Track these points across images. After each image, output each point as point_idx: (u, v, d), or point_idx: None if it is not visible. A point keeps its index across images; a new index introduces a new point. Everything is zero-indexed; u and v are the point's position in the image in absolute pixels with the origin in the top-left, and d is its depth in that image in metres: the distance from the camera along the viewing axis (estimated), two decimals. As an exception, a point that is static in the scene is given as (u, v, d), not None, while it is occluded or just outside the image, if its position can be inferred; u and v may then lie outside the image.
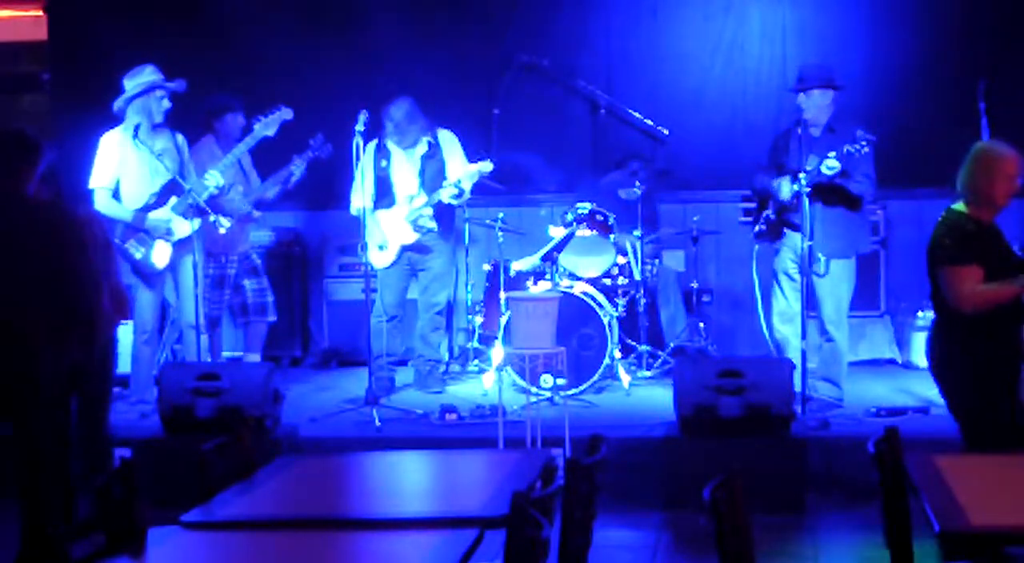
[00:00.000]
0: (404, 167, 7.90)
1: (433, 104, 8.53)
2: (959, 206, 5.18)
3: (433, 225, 7.85)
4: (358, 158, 7.38)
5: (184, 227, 7.35)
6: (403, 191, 7.87)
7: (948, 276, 5.06)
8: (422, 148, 7.91)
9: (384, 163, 7.79)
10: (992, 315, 5.01)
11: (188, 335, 7.61)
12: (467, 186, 7.83)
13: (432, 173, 7.84)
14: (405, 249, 7.90)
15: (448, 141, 7.95)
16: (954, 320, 5.10)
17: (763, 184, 7.32)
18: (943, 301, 5.13)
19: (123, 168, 7.43)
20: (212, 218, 7.24)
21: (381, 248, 7.81)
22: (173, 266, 7.48)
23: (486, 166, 7.73)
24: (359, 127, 7.27)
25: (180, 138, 7.53)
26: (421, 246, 7.91)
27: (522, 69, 9.60)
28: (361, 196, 7.75)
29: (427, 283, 8.04)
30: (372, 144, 7.69)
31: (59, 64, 10.23)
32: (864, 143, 6.85)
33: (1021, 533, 3.38)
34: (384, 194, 7.85)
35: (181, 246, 7.42)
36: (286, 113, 7.66)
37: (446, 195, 7.73)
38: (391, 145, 7.88)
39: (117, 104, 7.40)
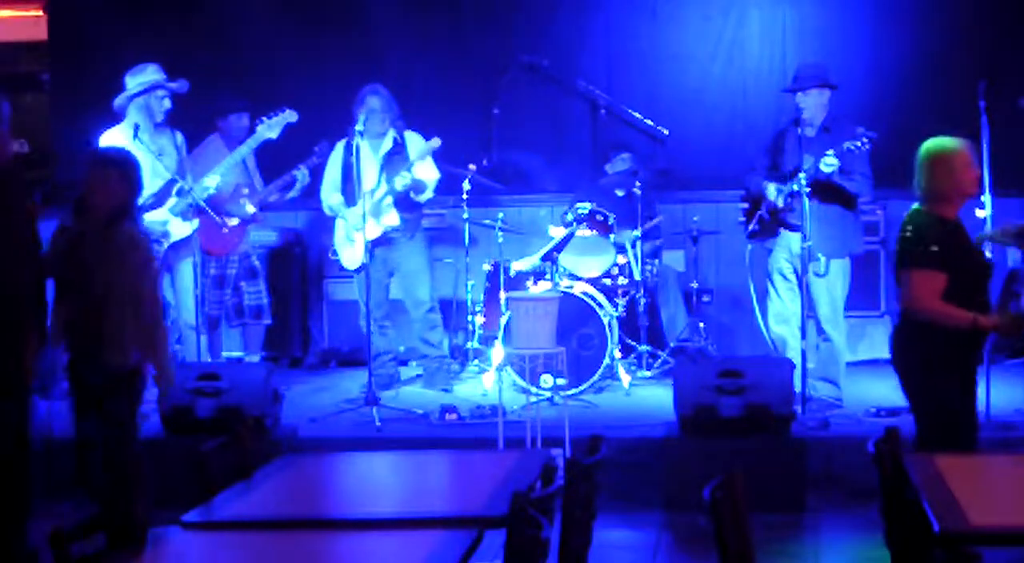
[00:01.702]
0: (368, 162, 7.88)
1: (433, 104, 8.53)
2: (922, 207, 5.15)
3: (396, 219, 7.84)
4: (358, 158, 7.38)
5: (182, 228, 7.34)
6: (365, 186, 7.86)
7: (913, 278, 5.02)
8: (387, 144, 7.90)
9: (352, 159, 7.71)
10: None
11: (188, 335, 7.62)
12: (426, 175, 7.81)
13: (394, 168, 7.83)
14: (374, 244, 7.88)
15: (414, 142, 7.92)
16: (916, 318, 5.09)
17: (756, 186, 7.33)
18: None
19: None
20: (217, 219, 7.24)
21: (350, 241, 7.77)
22: (170, 266, 7.49)
23: (434, 142, 7.72)
24: (359, 127, 7.27)
25: (180, 138, 7.53)
26: (387, 239, 7.91)
27: (522, 69, 9.60)
28: (333, 193, 7.82)
29: (405, 283, 8.05)
30: (341, 143, 7.66)
31: (59, 64, 10.23)
32: (865, 140, 6.86)
33: (1021, 533, 3.38)
34: (351, 191, 7.79)
35: (179, 247, 7.41)
36: (290, 116, 7.63)
37: (400, 183, 7.72)
38: (358, 140, 7.84)
39: (118, 101, 7.39)
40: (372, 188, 7.82)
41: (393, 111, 7.90)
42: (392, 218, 7.85)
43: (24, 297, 5.22)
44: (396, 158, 7.88)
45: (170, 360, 5.56)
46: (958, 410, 5.04)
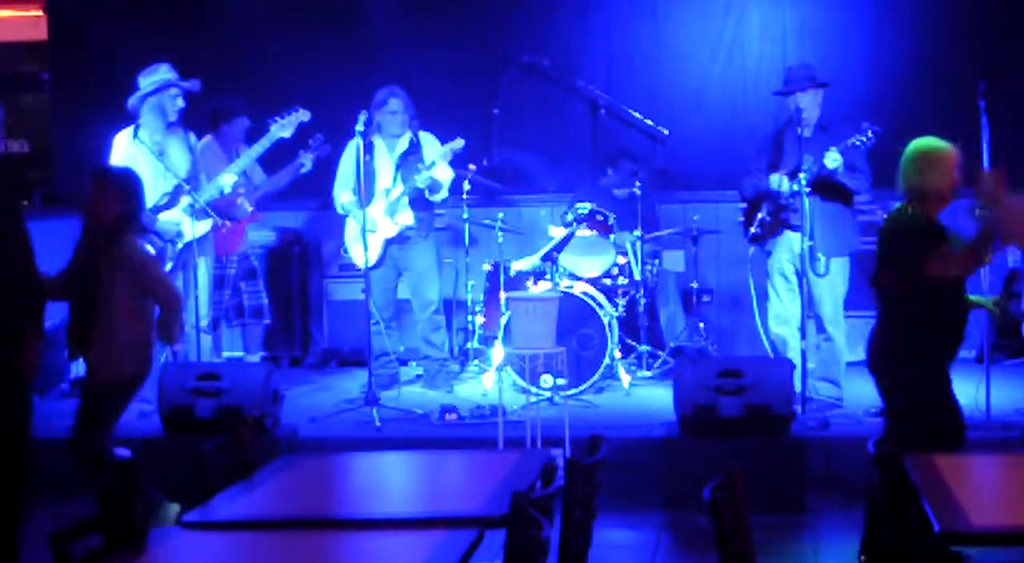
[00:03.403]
0: (384, 161, 7.92)
1: (433, 104, 8.53)
2: (908, 205, 5.17)
3: (411, 218, 7.85)
4: (358, 158, 7.38)
5: (198, 227, 7.31)
6: (380, 185, 7.88)
7: (935, 263, 4.99)
8: (403, 144, 7.93)
9: (367, 158, 7.67)
10: (936, 314, 5.02)
11: (189, 335, 7.61)
12: (442, 175, 7.82)
13: (409, 168, 7.85)
14: (388, 243, 7.90)
15: (429, 143, 7.96)
16: (899, 317, 5.09)
17: (755, 187, 7.31)
18: (891, 298, 5.13)
19: (134, 168, 7.39)
20: (216, 219, 7.24)
21: (365, 246, 7.78)
22: (184, 266, 7.46)
23: (457, 143, 7.74)
24: (359, 127, 7.27)
25: (192, 138, 7.53)
26: (403, 238, 7.92)
27: (522, 69, 9.60)
28: (346, 193, 7.81)
29: (415, 282, 8.06)
30: (354, 141, 7.64)
31: (59, 64, 10.23)
32: (870, 133, 6.87)
33: (1021, 533, 3.38)
34: (366, 190, 7.79)
35: (193, 246, 7.37)
36: (303, 115, 7.64)
37: (420, 180, 7.73)
38: (375, 139, 7.87)
39: (131, 101, 7.38)
40: (387, 188, 7.85)
41: (411, 112, 7.93)
42: (407, 217, 7.87)
43: (21, 295, 5.21)
44: (411, 158, 7.90)
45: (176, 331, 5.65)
46: (950, 405, 5.05)
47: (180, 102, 7.40)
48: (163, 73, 7.38)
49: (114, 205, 5.51)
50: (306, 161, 7.79)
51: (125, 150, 7.35)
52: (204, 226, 7.37)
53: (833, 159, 6.91)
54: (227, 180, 7.46)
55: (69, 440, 5.66)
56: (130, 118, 7.40)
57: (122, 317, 5.49)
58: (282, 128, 7.62)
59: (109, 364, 5.48)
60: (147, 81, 7.37)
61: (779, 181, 7.14)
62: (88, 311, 5.43)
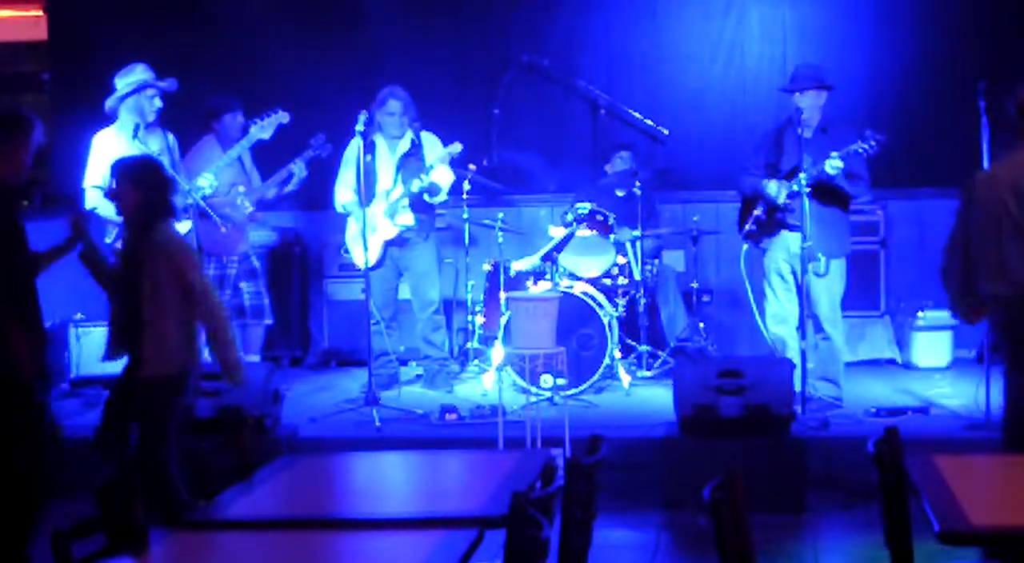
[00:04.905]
0: (385, 162, 7.92)
1: (433, 104, 8.53)
2: None
3: (411, 220, 7.86)
4: (359, 157, 7.38)
5: (179, 228, 7.32)
6: (381, 186, 7.89)
7: None
8: (405, 145, 7.93)
9: (368, 158, 7.68)
10: None
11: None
12: (441, 178, 7.81)
13: (410, 169, 7.85)
14: (388, 244, 7.91)
15: (431, 143, 7.96)
16: None
17: (751, 186, 7.30)
18: None
19: None
20: (216, 219, 7.24)
21: (365, 246, 7.78)
22: None
23: (454, 148, 7.74)
24: (359, 127, 7.27)
25: (171, 138, 7.52)
26: (402, 240, 7.92)
27: (522, 69, 9.60)
28: (347, 192, 7.80)
29: (415, 282, 8.06)
30: (356, 140, 7.63)
31: (59, 64, 10.23)
32: (874, 142, 6.86)
33: (1021, 533, 3.38)
34: (367, 190, 7.80)
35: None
36: (282, 117, 7.64)
37: (416, 186, 7.73)
38: (377, 139, 7.88)
39: (109, 103, 7.39)
40: (388, 189, 7.84)
41: (411, 113, 7.92)
42: (407, 218, 7.87)
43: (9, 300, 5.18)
44: (412, 159, 7.89)
45: (234, 356, 5.52)
46: None
47: (157, 102, 7.40)
48: (139, 74, 7.38)
49: (136, 194, 5.47)
50: (296, 169, 7.76)
51: (110, 149, 7.30)
52: (182, 228, 7.37)
53: (834, 165, 6.90)
54: (204, 181, 7.46)
55: (95, 441, 5.62)
56: (108, 120, 7.40)
57: (168, 310, 5.43)
58: (261, 129, 7.62)
59: (158, 361, 5.41)
60: (123, 82, 7.38)
61: (777, 190, 7.13)
62: (134, 307, 5.40)
